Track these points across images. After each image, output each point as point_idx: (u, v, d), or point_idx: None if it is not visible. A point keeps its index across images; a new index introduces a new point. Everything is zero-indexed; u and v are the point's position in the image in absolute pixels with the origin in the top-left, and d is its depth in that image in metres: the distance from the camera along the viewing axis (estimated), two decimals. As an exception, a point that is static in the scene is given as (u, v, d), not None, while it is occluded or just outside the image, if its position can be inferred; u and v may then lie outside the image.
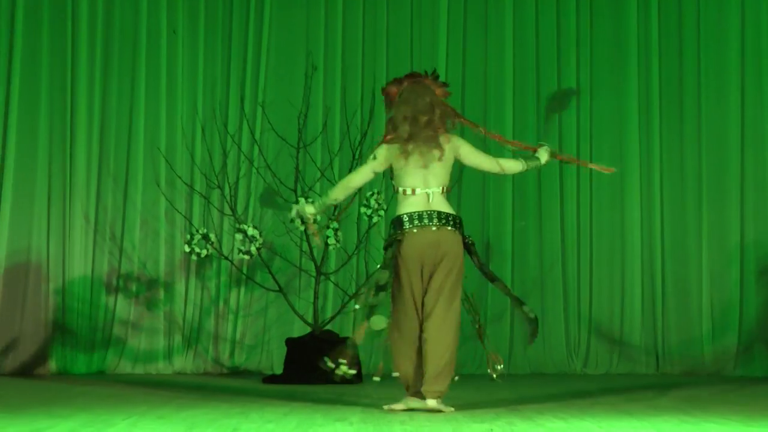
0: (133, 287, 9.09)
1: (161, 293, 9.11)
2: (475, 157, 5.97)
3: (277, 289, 8.52)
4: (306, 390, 7.29)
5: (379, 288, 5.83)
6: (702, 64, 9.29)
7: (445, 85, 6.06)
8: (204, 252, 8.37)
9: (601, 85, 9.38)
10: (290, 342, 8.27)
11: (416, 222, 5.80)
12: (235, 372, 9.00)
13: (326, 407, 6.03)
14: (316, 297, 8.36)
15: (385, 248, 5.89)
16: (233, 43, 9.27)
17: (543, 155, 6.12)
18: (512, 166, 6.09)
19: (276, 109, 9.01)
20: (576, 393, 7.01)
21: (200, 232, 8.38)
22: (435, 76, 6.03)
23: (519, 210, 9.25)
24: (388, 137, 5.91)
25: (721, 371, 8.96)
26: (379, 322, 5.83)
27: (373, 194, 8.22)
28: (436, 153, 5.83)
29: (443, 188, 5.88)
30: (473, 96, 9.32)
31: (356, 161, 8.54)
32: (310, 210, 6.17)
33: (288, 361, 8.17)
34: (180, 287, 9.13)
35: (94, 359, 8.93)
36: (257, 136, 9.04)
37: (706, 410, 5.86)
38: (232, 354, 9.08)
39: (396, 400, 5.94)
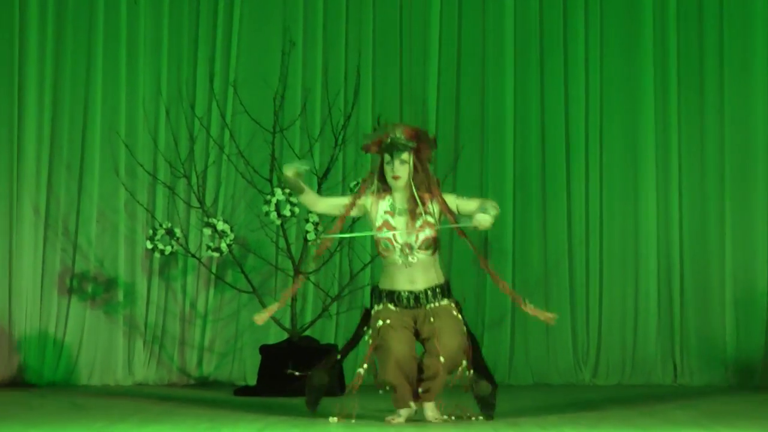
0: (89, 288, 9.09)
1: (120, 295, 9.10)
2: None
3: (251, 290, 8.52)
4: (282, 403, 7.29)
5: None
6: (725, 33, 9.29)
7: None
8: (168, 249, 8.38)
9: (611, 56, 9.36)
10: (265, 349, 8.28)
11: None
12: (204, 383, 9.00)
13: (305, 422, 6.05)
14: (293, 299, 8.35)
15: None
16: (201, 15, 9.24)
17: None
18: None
19: (249, 90, 8.99)
20: (584, 405, 7.03)
21: (164, 226, 8.39)
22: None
23: (520, 201, 9.24)
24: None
25: (745, 383, 8.98)
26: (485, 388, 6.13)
27: (357, 184, 8.18)
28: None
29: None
30: (469, 71, 9.29)
31: (338, 147, 8.55)
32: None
33: (262, 371, 8.19)
34: (141, 288, 9.13)
35: (45, 369, 8.92)
36: (228, 119, 9.03)
37: (730, 426, 5.88)
38: (200, 363, 9.08)
39: (386, 412, 5.97)
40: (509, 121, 9.17)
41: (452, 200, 6.18)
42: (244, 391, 8.14)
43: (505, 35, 9.35)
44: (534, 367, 9.14)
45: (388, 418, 6.10)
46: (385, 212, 6.19)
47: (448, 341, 6.02)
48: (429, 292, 6.13)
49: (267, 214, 8.17)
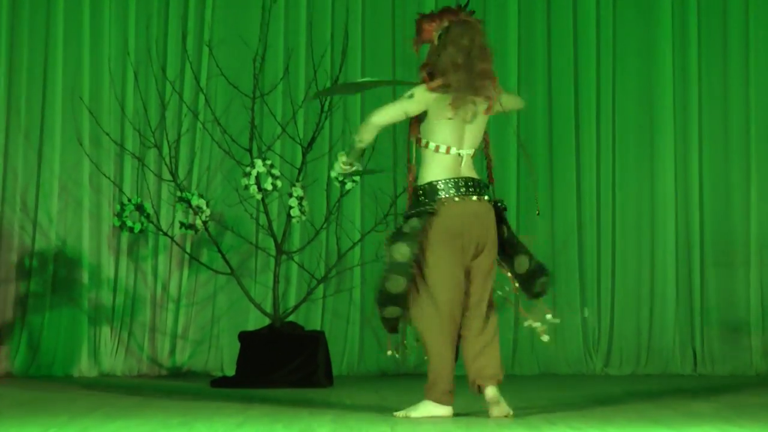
0: (50, 269, 9.09)
1: (85, 276, 9.12)
2: (508, 101, 6.16)
3: (229, 271, 8.52)
4: (264, 395, 7.29)
5: (393, 299, 5.95)
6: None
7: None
8: (137, 226, 8.36)
9: (624, 12, 9.43)
10: (244, 336, 8.29)
11: (456, 191, 5.93)
12: (177, 373, 9.03)
13: (289, 416, 6.06)
14: (276, 281, 8.36)
15: (406, 218, 5.99)
16: (173, -34, 9.25)
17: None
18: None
19: (226, 50, 9.01)
20: (595, 398, 7.04)
21: (133, 201, 8.37)
22: (472, 12, 6.11)
23: (525, 172, 9.27)
24: (433, 84, 5.96)
25: (772, 371, 9.08)
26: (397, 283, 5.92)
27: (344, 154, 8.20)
28: (483, 106, 5.99)
29: (474, 151, 6.03)
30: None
31: (324, 114, 8.54)
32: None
33: (241, 360, 8.19)
34: (108, 269, 9.15)
35: (2, 358, 8.92)
36: (203, 83, 9.04)
37: (754, 418, 5.90)
38: (172, 351, 9.11)
39: (396, 408, 5.97)
40: (512, 84, 9.17)
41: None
42: (222, 382, 8.14)
43: (510, 22, 9.38)
44: (540, 355, 9.19)
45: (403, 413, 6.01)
46: None
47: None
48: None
49: (246, 187, 8.15)
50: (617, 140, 9.36)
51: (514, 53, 9.33)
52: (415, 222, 5.92)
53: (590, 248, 9.31)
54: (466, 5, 6.11)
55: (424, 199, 5.94)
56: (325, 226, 8.78)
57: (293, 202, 8.21)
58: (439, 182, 5.93)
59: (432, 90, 5.96)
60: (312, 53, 8.97)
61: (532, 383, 8.35)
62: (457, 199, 5.91)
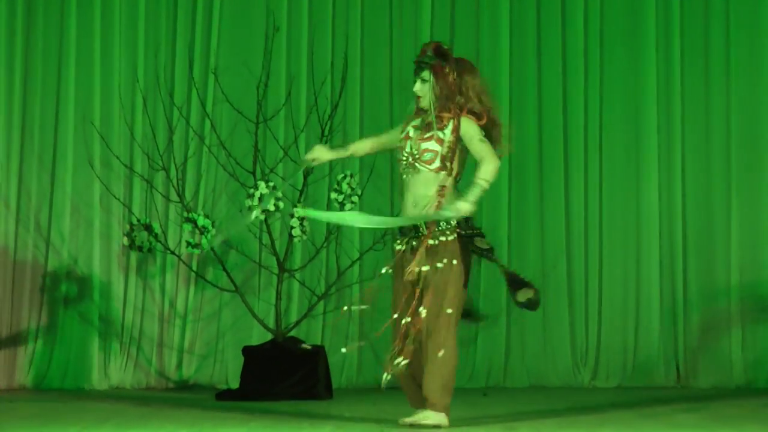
0: (62, 287, 9.11)
1: (95, 294, 9.13)
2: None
3: (233, 288, 8.52)
4: (266, 407, 7.30)
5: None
6: (731, 17, 9.35)
7: None
8: (146, 245, 8.37)
9: (611, 43, 9.43)
10: (248, 351, 8.29)
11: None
12: (184, 386, 9.03)
13: (291, 426, 6.06)
14: (278, 298, 8.37)
15: (474, 236, 6.13)
16: (180, -2, 9.28)
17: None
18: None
19: (231, 77, 9.01)
20: (583, 409, 7.07)
21: (142, 221, 8.38)
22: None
23: (517, 193, 9.31)
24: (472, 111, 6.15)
25: (752, 383, 9.06)
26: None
27: (345, 177, 8.19)
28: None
29: None
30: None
31: (325, 138, 8.53)
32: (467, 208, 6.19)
33: (245, 374, 8.18)
34: (117, 287, 9.16)
35: (17, 371, 8.95)
36: (209, 108, 9.05)
37: (735, 428, 5.92)
38: (179, 365, 9.12)
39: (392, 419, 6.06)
40: (505, 109, 9.12)
41: (471, 131, 6.13)
42: (226, 395, 8.15)
43: (501, 19, 9.38)
44: (531, 368, 9.19)
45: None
46: (412, 125, 6.24)
47: None
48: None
49: (250, 208, 8.15)
50: (604, 161, 9.32)
51: (506, 77, 9.33)
52: (466, 247, 6.12)
53: (578, 266, 9.29)
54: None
55: (470, 223, 6.15)
56: (325, 245, 8.77)
57: (295, 222, 8.18)
58: None
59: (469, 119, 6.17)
60: (313, 80, 8.98)
61: (522, 395, 8.35)
62: None
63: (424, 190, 6.08)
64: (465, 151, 6.13)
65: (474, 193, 5.98)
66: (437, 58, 6.16)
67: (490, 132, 6.13)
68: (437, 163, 6.07)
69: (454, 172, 6.08)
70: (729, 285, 9.21)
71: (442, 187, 6.05)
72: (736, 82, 9.31)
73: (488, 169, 6.03)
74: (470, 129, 6.09)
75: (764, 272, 9.21)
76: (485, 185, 6.02)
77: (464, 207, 5.96)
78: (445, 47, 6.22)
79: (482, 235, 6.14)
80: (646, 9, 9.40)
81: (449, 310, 5.99)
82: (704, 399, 7.94)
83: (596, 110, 9.39)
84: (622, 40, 9.43)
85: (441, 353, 5.94)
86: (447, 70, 6.14)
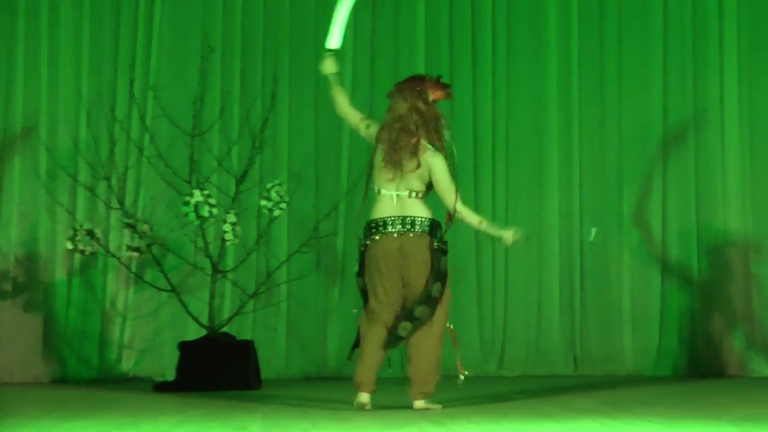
0: (9, 288, 8.98)
1: (40, 295, 9.01)
2: (439, 183, 6.21)
3: (170, 288, 8.45)
4: (201, 397, 7.26)
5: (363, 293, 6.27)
6: (623, 37, 9.47)
7: (445, 86, 6.31)
8: (89, 249, 8.29)
9: (517, 66, 9.54)
10: (184, 346, 8.23)
11: (381, 229, 6.15)
12: (123, 379, 8.95)
13: (223, 415, 6.02)
14: (212, 297, 8.32)
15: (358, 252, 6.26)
16: (122, 20, 9.17)
17: (507, 235, 6.27)
18: (468, 216, 6.30)
19: (169, 94, 8.95)
20: (491, 396, 7.10)
21: (84, 227, 8.30)
22: (436, 79, 6.29)
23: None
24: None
25: (641, 371, 9.15)
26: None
27: (274, 185, 8.19)
28: (411, 165, 6.14)
29: (414, 193, 6.18)
30: (383, 75, 9.32)
31: (256, 150, 8.53)
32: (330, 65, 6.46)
33: (181, 367, 8.12)
34: (62, 288, 9.05)
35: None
36: (148, 122, 8.95)
37: (628, 412, 5.95)
38: (119, 359, 9.03)
39: (314, 403, 5.98)
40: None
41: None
42: (163, 386, 8.07)
43: (417, 41, 9.43)
44: (443, 358, 9.15)
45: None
46: None
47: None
48: (409, 219, 6.21)
49: (186, 214, 8.12)
50: (510, 166, 9.43)
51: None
52: (360, 257, 6.26)
53: (486, 265, 9.35)
54: (439, 77, 6.31)
55: (362, 236, 6.21)
56: (255, 248, 8.74)
57: (227, 227, 8.16)
58: (372, 222, 6.19)
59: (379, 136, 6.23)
60: (245, 96, 8.98)
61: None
62: (377, 237, 6.17)
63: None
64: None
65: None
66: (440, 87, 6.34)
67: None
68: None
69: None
70: (621, 282, 9.32)
71: None
72: (628, 93, 9.45)
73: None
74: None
75: (651, 269, 9.31)
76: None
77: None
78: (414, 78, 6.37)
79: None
80: (548, 40, 9.55)
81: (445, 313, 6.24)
82: (599, 386, 7.99)
83: (503, 126, 9.46)
84: (526, 69, 9.55)
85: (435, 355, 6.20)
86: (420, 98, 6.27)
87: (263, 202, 8.22)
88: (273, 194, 8.18)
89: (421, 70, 9.33)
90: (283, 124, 9.22)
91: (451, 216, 6.28)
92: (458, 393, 6.70)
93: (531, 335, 9.33)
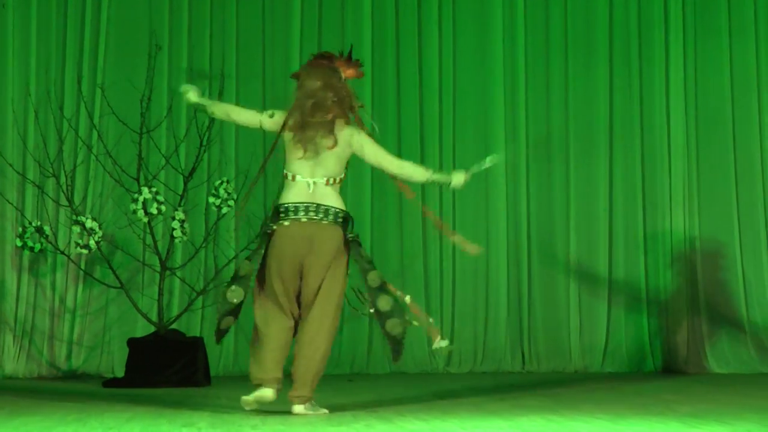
0: (-42, 285, 8.87)
1: (-11, 291, 8.90)
2: (374, 154, 5.91)
3: (119, 285, 8.41)
4: (150, 394, 7.19)
5: (237, 278, 5.86)
6: (569, 32, 9.49)
7: (356, 64, 6.01)
8: (38, 246, 8.25)
9: (464, 75, 9.52)
10: (133, 342, 8.17)
11: (291, 214, 5.78)
12: (73, 375, 8.86)
13: (172, 412, 5.97)
14: (160, 294, 8.27)
15: (257, 237, 5.86)
16: (69, 18, 9.08)
17: (457, 178, 6.06)
18: (414, 171, 6.00)
19: (117, 92, 8.84)
20: (438, 393, 7.05)
21: (33, 224, 8.25)
22: (347, 57, 5.98)
23: (378, 198, 9.29)
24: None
25: (588, 368, 9.17)
26: (236, 293, 5.83)
27: (222, 183, 8.20)
28: (327, 142, 5.80)
29: (331, 179, 5.84)
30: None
31: (203, 147, 8.48)
32: (192, 95, 6.02)
33: (130, 363, 8.08)
34: (11, 284, 8.95)
35: None
36: (96, 120, 8.87)
37: (574, 408, 5.96)
38: (68, 356, 8.93)
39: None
40: (367, 117, 9.15)
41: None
42: (113, 383, 8.01)
43: (363, 33, 9.39)
44: (390, 356, 9.15)
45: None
46: None
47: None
48: (323, 208, 5.85)
49: (134, 212, 8.05)
50: (457, 165, 9.38)
51: (369, 93, 9.29)
52: (259, 242, 5.93)
53: (434, 263, 9.33)
54: (350, 52, 6.01)
55: (268, 220, 5.92)
56: (204, 245, 8.69)
57: (176, 224, 8.14)
58: (281, 206, 5.83)
59: (288, 118, 5.85)
60: (192, 94, 8.92)
61: (383, 380, 8.34)
62: (287, 222, 5.79)
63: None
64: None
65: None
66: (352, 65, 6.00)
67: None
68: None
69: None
70: (568, 280, 9.35)
71: None
72: (574, 95, 9.48)
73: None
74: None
75: (599, 266, 9.33)
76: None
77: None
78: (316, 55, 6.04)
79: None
80: (494, 31, 9.55)
81: (337, 304, 5.85)
82: (546, 382, 7.99)
83: (450, 123, 9.45)
84: (472, 67, 9.53)
85: (322, 347, 5.78)
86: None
87: (211, 199, 8.20)
88: (221, 192, 8.18)
89: (368, 70, 9.29)
90: (229, 122, 9.13)
91: (401, 183, 6.05)
92: (406, 389, 6.66)
93: (479, 332, 9.32)
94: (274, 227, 5.82)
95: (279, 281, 5.80)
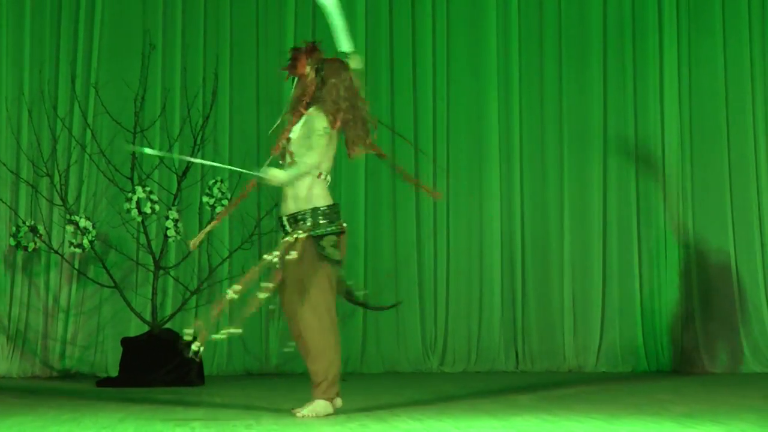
0: (-48, 284, 8.85)
1: (-17, 290, 8.88)
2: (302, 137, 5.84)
3: (112, 284, 8.39)
4: (144, 393, 7.19)
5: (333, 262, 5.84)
6: (563, 36, 9.48)
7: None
8: (31, 245, 8.24)
9: (458, 75, 9.50)
10: (126, 342, 8.17)
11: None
12: (67, 375, 8.83)
13: (166, 411, 5.96)
14: (154, 293, 8.26)
15: (321, 236, 5.75)
16: (63, 18, 9.05)
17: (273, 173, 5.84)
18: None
19: (110, 91, 8.83)
20: (432, 392, 7.05)
21: (27, 224, 8.23)
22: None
23: (372, 197, 9.27)
24: (329, 111, 5.77)
25: (582, 367, 9.15)
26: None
27: (215, 182, 8.20)
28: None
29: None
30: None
31: (197, 146, 8.46)
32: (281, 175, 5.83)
33: (124, 363, 8.07)
34: (5, 284, 8.92)
35: None
36: (90, 119, 8.86)
37: (568, 408, 5.95)
38: (62, 355, 8.91)
39: (257, 400, 5.88)
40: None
41: (313, 126, 5.74)
42: (106, 382, 8.01)
43: (357, 35, 9.36)
44: (385, 355, 9.17)
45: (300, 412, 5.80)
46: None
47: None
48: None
49: (128, 211, 8.04)
50: (451, 166, 9.38)
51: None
52: (328, 240, 5.80)
53: (428, 263, 9.32)
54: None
55: (331, 217, 5.80)
56: (198, 244, 8.67)
57: (170, 223, 8.12)
58: (337, 205, 5.88)
59: (325, 115, 5.79)
60: (186, 94, 8.88)
61: (377, 380, 8.33)
62: (345, 224, 5.91)
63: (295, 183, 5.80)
64: (330, 146, 5.85)
65: (287, 173, 5.73)
66: (292, 60, 5.92)
67: (346, 132, 5.90)
68: (288, 158, 5.81)
69: (319, 167, 5.77)
70: (562, 280, 9.33)
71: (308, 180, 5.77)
72: (568, 105, 9.45)
73: (291, 170, 5.75)
74: (313, 124, 5.77)
75: (593, 267, 9.33)
76: (280, 179, 5.74)
77: (272, 173, 5.72)
78: (304, 48, 5.93)
79: (340, 232, 5.84)
80: (488, 40, 9.51)
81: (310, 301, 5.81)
82: (540, 382, 7.98)
83: (443, 125, 9.43)
84: (466, 69, 9.52)
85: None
86: (305, 71, 5.88)
87: (205, 199, 8.21)
88: (215, 191, 8.18)
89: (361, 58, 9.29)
90: (224, 121, 9.14)
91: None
92: (400, 389, 6.64)
93: (473, 332, 9.30)
94: (345, 225, 5.84)
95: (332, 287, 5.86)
